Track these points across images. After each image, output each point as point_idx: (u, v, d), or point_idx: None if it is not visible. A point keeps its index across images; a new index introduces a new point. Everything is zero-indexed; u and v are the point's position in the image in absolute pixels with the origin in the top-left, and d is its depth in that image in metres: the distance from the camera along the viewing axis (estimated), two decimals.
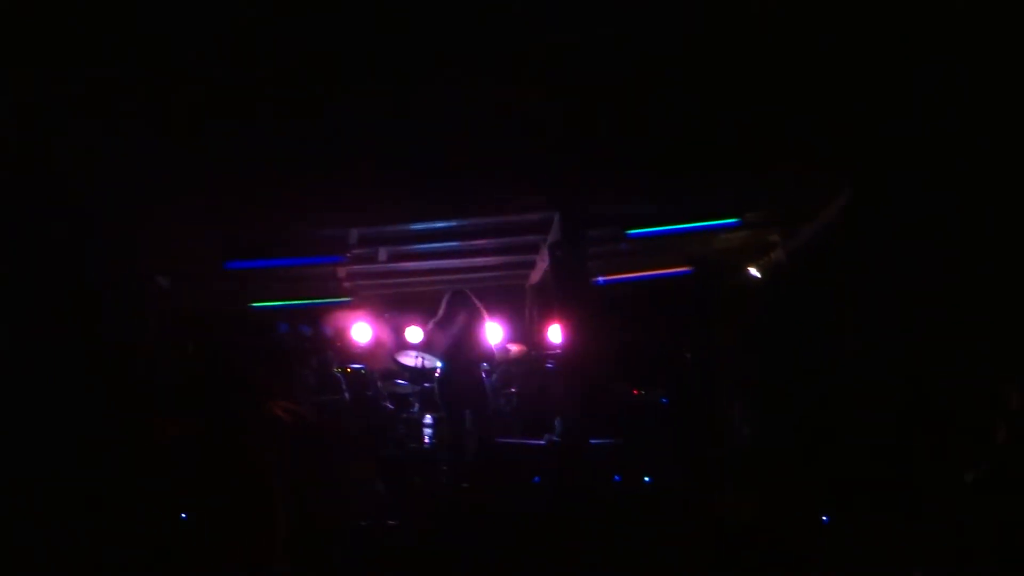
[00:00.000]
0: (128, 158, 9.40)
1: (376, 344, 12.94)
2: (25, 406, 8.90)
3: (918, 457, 8.73)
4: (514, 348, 12.85)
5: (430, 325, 11.04)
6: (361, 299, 13.72)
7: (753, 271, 12.07)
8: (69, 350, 9.18)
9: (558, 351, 11.71)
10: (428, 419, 12.29)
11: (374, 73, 9.18)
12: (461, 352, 10.75)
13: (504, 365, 12.69)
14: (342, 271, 12.74)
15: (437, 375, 11.39)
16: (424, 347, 12.74)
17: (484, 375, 11.50)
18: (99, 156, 9.31)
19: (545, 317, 13.18)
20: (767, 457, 10.00)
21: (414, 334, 13.28)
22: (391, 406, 12.35)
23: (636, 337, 12.25)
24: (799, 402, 10.09)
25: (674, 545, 9.03)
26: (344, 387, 12.25)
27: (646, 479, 10.26)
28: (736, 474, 9.88)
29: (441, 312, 10.88)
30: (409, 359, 12.92)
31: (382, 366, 12.92)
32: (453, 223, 11.16)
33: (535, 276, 13.48)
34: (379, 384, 12.65)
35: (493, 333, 11.51)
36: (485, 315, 11.00)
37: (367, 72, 9.27)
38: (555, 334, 12.22)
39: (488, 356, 11.61)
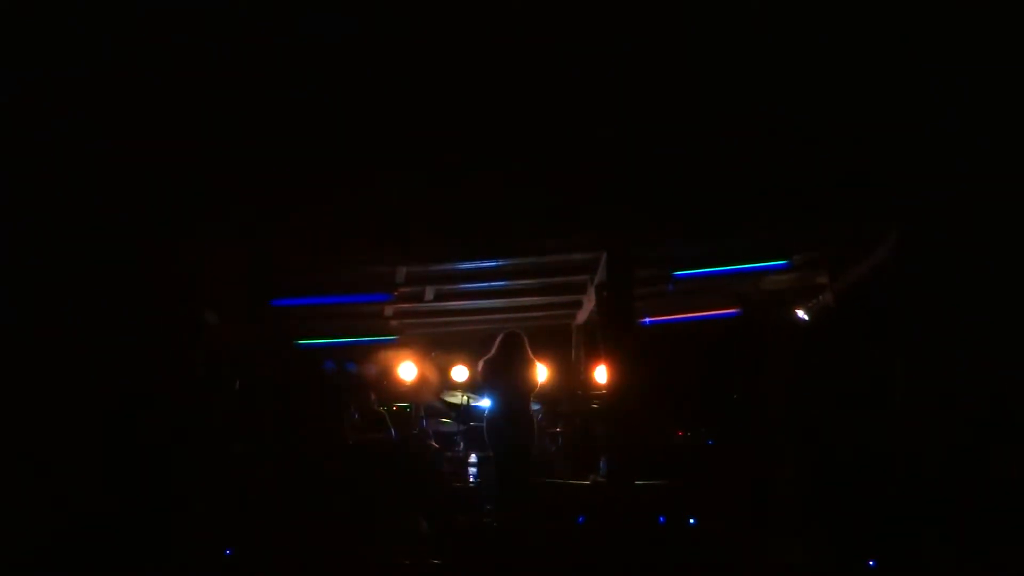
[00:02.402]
0: (179, 194, 9.52)
1: (421, 382, 12.96)
2: (78, 438, 9.01)
3: (969, 504, 8.65)
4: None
5: (481, 364, 11.04)
6: (407, 337, 13.75)
7: (801, 313, 12.00)
8: (120, 386, 9.28)
9: (604, 391, 11.68)
10: (473, 458, 12.27)
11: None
12: (512, 392, 10.74)
13: (550, 405, 12.66)
14: (389, 309, 12.79)
15: (487, 414, 11.39)
16: (473, 386, 12.74)
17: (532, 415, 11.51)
18: (152, 191, 9.44)
19: (591, 357, 13.15)
20: (815, 501, 9.91)
21: (460, 373, 13.29)
22: (436, 444, 12.35)
23: (682, 378, 12.19)
24: (847, 446, 10.00)
25: None
26: (389, 425, 12.26)
27: (691, 521, 10.20)
28: (783, 518, 9.80)
29: (494, 351, 10.89)
30: (455, 398, 12.92)
31: (427, 404, 12.93)
32: (500, 262, 11.18)
33: (581, 316, 13.46)
34: (424, 423, 12.65)
35: (542, 374, 11.48)
36: (534, 358, 10.98)
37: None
38: (601, 374, 12.18)
39: (536, 397, 11.59)
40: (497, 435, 10.81)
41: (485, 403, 12.90)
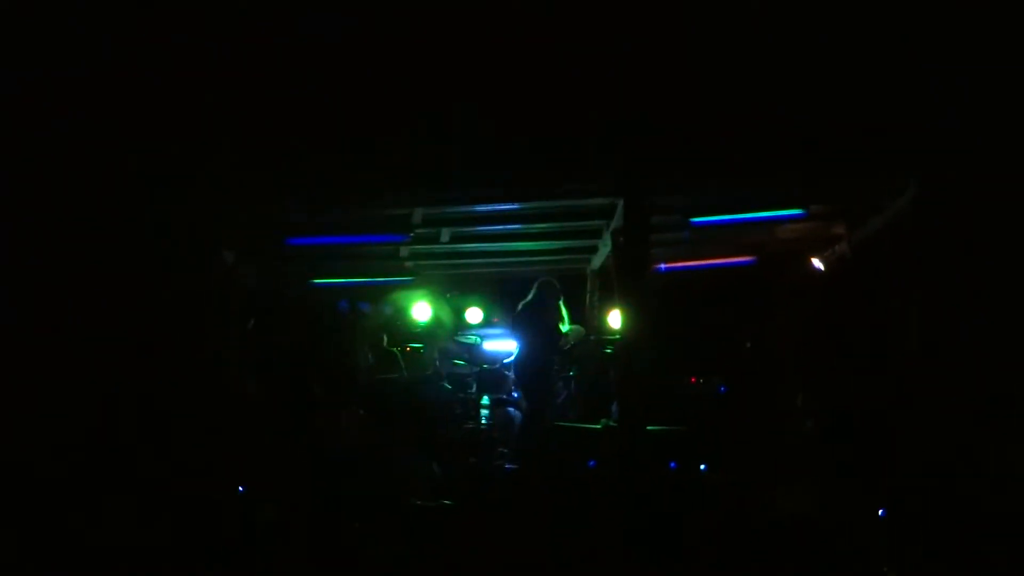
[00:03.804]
0: (196, 133, 9.53)
1: (436, 323, 12.99)
2: (88, 374, 9.06)
3: (982, 453, 8.68)
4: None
5: (519, 307, 11.11)
6: (422, 279, 13.77)
7: (817, 263, 11.99)
8: (137, 321, 9.32)
9: (618, 336, 11.71)
10: (485, 400, 12.33)
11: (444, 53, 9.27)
12: (541, 338, 10.81)
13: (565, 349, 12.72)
14: (404, 250, 12.79)
15: (517, 358, 11.45)
16: (491, 327, 12.83)
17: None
18: (169, 131, 9.45)
19: (606, 302, 13.18)
20: (827, 449, 9.97)
21: (474, 315, 13.33)
22: (449, 386, 12.40)
23: (696, 325, 12.22)
24: (861, 395, 10.03)
25: (729, 534, 9.04)
26: (402, 366, 12.32)
27: (702, 467, 10.26)
28: (795, 465, 9.86)
29: (531, 297, 10.94)
30: (469, 340, 12.97)
31: (441, 345, 12.96)
32: (517, 206, 11.17)
33: (597, 261, 13.47)
34: (437, 364, 12.69)
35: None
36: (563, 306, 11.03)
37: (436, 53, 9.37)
38: (615, 320, 12.20)
39: (562, 344, 11.66)
40: (522, 377, 10.89)
41: (499, 346, 12.96)
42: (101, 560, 8.31)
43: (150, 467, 8.96)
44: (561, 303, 10.87)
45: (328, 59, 9.50)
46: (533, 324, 10.85)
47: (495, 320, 13.40)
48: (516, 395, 12.05)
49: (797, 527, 8.98)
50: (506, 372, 12.38)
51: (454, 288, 13.76)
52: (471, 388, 12.63)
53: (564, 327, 11.31)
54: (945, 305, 9.24)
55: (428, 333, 12.96)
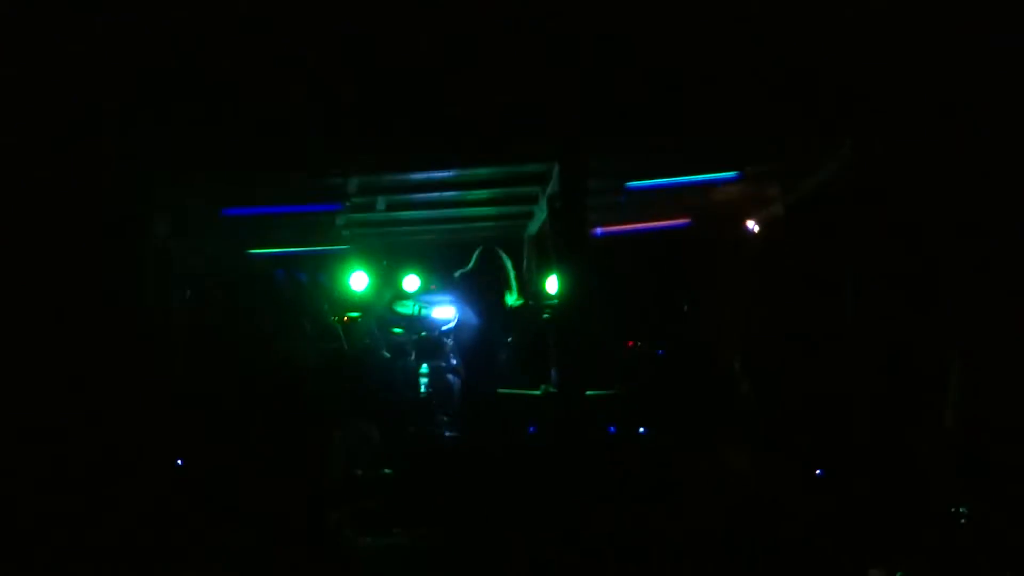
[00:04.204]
0: (125, 97, 9.40)
1: (373, 292, 12.94)
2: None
3: (911, 415, 8.79)
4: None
5: (457, 275, 11.08)
6: (359, 247, 13.69)
7: (752, 225, 12.05)
8: (66, 293, 9.20)
9: (555, 302, 11.72)
10: (424, 368, 12.32)
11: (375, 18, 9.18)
12: (481, 306, 10.78)
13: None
14: (340, 219, 12.72)
15: (454, 324, 11.42)
16: (429, 296, 12.79)
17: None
18: (96, 95, 9.31)
19: (542, 268, 13.17)
20: (765, 412, 10.05)
21: (411, 283, 13.28)
22: (387, 355, 12.36)
23: (633, 289, 12.26)
24: (797, 358, 10.11)
25: (667, 496, 9.11)
26: (342, 335, 12.26)
27: (641, 430, 10.32)
28: (732, 427, 9.93)
29: (472, 265, 10.91)
30: (406, 308, 12.93)
31: (379, 314, 12.92)
32: (452, 173, 11.13)
33: (534, 227, 13.46)
34: (376, 332, 12.65)
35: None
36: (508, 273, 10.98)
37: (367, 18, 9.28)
38: (552, 285, 12.22)
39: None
40: (468, 347, 10.87)
41: (437, 313, 12.94)
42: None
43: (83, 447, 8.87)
44: (510, 273, 10.84)
45: (259, 22, 9.40)
46: (473, 292, 10.82)
47: (433, 287, 13.36)
48: (454, 362, 12.01)
49: (734, 488, 9.07)
50: (445, 339, 12.36)
51: (391, 256, 13.69)
52: (410, 356, 12.61)
53: (511, 298, 11.31)
54: (879, 268, 9.33)
55: (365, 302, 12.90)
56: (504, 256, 10.91)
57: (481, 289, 10.76)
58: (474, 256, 10.93)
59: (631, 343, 12.01)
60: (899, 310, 9.15)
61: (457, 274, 11.06)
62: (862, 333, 9.40)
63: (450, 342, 12.18)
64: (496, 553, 8.72)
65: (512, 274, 10.88)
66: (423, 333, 12.66)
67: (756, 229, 12.00)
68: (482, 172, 11.27)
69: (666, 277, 12.15)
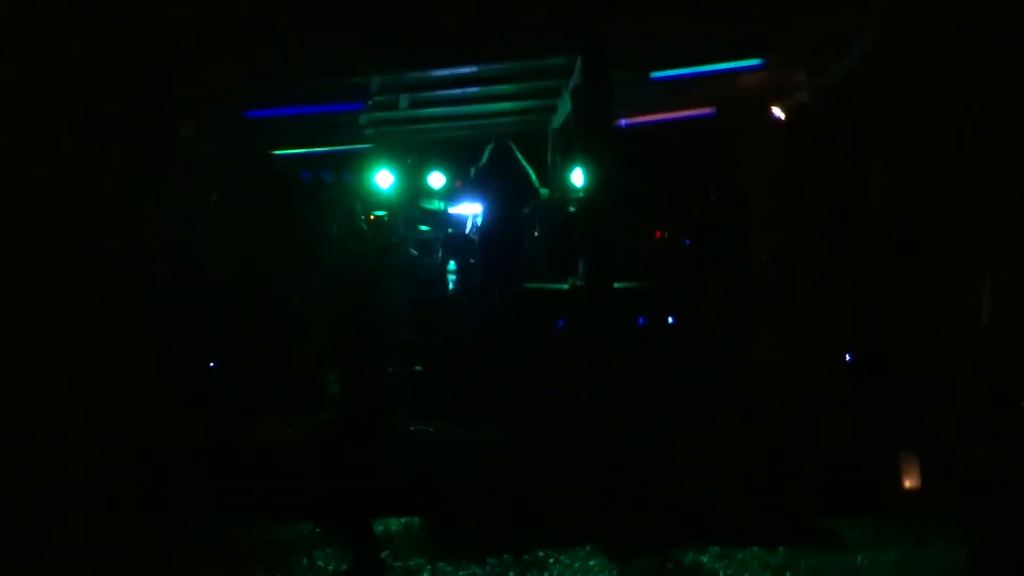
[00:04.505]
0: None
1: (399, 190, 12.92)
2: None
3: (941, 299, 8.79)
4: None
5: (472, 171, 11.03)
6: (383, 145, 13.67)
7: (777, 112, 11.94)
8: (96, 197, 9.23)
9: (581, 195, 11.70)
10: (451, 265, 12.35)
11: None
12: (501, 201, 10.75)
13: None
14: (364, 118, 12.70)
15: (479, 221, 11.39)
16: (454, 192, 12.76)
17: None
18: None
19: (567, 161, 13.14)
20: (793, 298, 10.05)
21: (436, 180, 13.25)
22: (415, 252, 12.40)
23: (659, 180, 12.23)
24: (825, 243, 10.09)
25: (698, 384, 9.15)
26: (368, 234, 12.27)
27: (670, 320, 10.36)
28: (761, 314, 9.95)
29: (485, 159, 10.85)
30: (432, 205, 12.92)
31: (405, 212, 12.92)
32: (474, 68, 11.08)
33: (558, 120, 13.40)
34: (402, 230, 12.67)
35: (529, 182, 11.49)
36: (524, 165, 10.92)
37: None
38: (578, 178, 12.19)
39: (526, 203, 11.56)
40: (486, 241, 10.87)
41: (462, 210, 12.93)
42: None
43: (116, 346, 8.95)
44: (524, 164, 10.78)
45: None
46: (490, 187, 10.77)
47: (458, 184, 13.33)
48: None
49: (764, 375, 9.12)
50: (471, 236, 12.35)
51: (416, 154, 13.65)
52: (437, 254, 12.64)
53: (539, 188, 11.22)
54: (907, 151, 9.27)
55: (391, 200, 12.89)
56: (515, 148, 10.85)
57: (498, 183, 10.72)
58: (486, 151, 10.89)
59: (658, 234, 12.01)
60: (926, 196, 9.11)
61: (473, 170, 11.03)
62: (889, 219, 9.37)
63: (476, 238, 12.18)
64: (531, 447, 8.79)
65: (527, 167, 10.82)
66: (449, 230, 12.66)
67: (782, 116, 11.90)
68: (504, 67, 11.22)
69: (692, 167, 12.11)
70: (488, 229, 10.82)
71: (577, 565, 7.09)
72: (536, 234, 12.48)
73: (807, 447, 8.33)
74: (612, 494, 7.96)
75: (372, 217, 12.67)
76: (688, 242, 11.61)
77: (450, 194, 12.93)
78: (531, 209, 11.74)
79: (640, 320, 10.26)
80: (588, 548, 7.34)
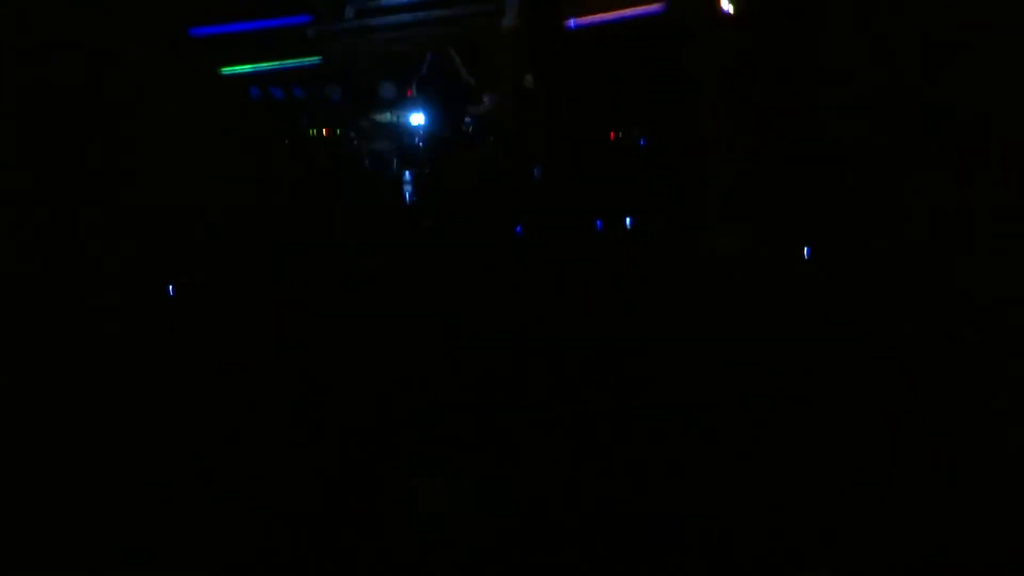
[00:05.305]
0: None
1: (349, 103, 12.83)
2: None
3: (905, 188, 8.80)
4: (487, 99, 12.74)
5: (414, 84, 10.95)
6: (332, 59, 13.52)
7: (726, 4, 11.86)
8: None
9: (533, 98, 11.64)
10: (407, 176, 12.30)
11: None
12: (446, 106, 10.69)
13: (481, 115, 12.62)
14: (310, 31, 12.55)
15: (423, 131, 11.34)
16: (406, 104, 12.66)
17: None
18: None
19: (519, 64, 13.03)
20: (750, 192, 10.06)
21: (387, 91, 13.14)
22: (370, 165, 12.35)
23: (610, 79, 12.15)
24: (781, 132, 10.07)
25: (661, 283, 9.18)
26: (321, 149, 12.21)
27: (627, 222, 10.37)
28: (719, 211, 9.97)
29: (425, 71, 10.77)
30: (384, 117, 12.84)
31: (357, 125, 12.84)
32: None
33: (506, 23, 13.27)
34: (355, 144, 12.60)
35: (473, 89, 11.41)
36: (465, 73, 10.86)
37: None
38: (529, 81, 12.11)
39: (470, 110, 11.50)
40: (435, 151, 10.83)
41: (415, 120, 12.85)
42: None
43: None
44: (463, 73, 10.71)
45: None
46: (430, 98, 10.72)
47: (409, 94, 13.23)
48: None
49: (726, 269, 9.15)
50: (424, 145, 12.30)
51: (365, 66, 13.52)
52: (393, 165, 12.58)
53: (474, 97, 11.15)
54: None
55: (342, 113, 12.80)
56: (455, 57, 10.78)
57: (436, 94, 10.67)
58: (425, 62, 10.81)
59: (612, 135, 11.96)
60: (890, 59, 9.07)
61: (414, 83, 10.97)
62: (853, 99, 9.35)
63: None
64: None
65: (467, 76, 10.76)
66: (404, 141, 12.60)
67: (731, 10, 11.82)
68: None
69: (643, 64, 12.02)
70: (430, 141, 10.78)
71: None
72: (491, 139, 12.42)
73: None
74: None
75: (324, 132, 12.60)
76: (643, 141, 11.58)
77: (401, 105, 12.84)
78: (473, 118, 11.68)
79: (598, 223, 10.27)
80: None
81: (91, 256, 9.12)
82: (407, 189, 12.19)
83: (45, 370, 7.91)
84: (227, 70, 13.16)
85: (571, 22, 12.11)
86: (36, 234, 8.92)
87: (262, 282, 9.94)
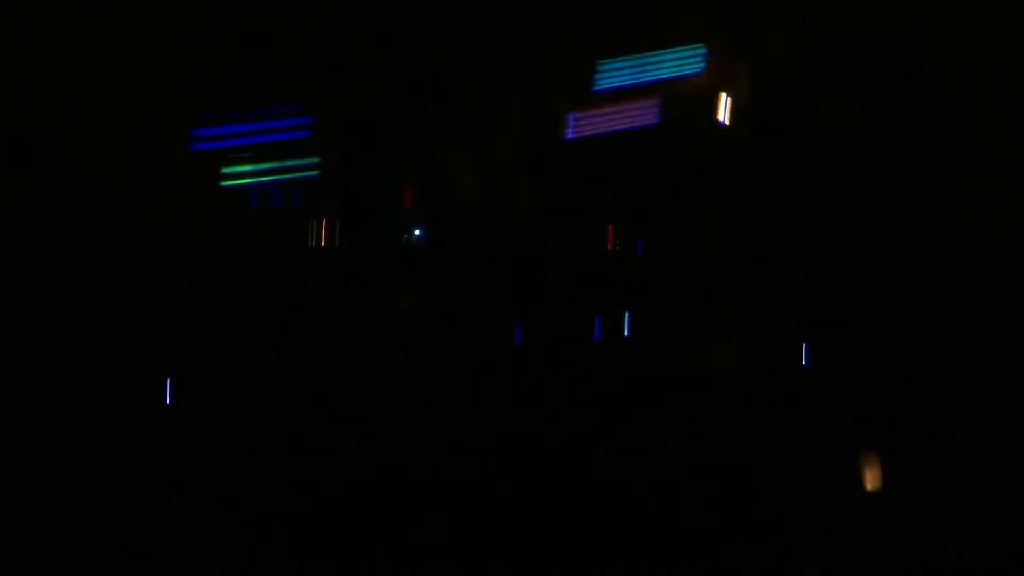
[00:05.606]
0: None
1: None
2: None
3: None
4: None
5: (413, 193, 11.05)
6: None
7: (722, 111, 11.97)
8: None
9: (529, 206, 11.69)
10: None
11: None
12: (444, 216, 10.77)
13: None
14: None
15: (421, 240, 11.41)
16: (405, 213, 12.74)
17: None
18: None
19: (518, 174, 13.10)
20: (748, 300, 10.08)
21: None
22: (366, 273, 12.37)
23: (608, 189, 12.21)
24: (779, 239, 10.13)
25: (655, 395, 9.17)
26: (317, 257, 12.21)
27: (626, 333, 10.35)
28: (718, 319, 9.96)
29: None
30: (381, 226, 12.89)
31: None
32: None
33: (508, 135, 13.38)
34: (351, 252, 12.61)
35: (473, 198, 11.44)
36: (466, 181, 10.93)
37: None
38: (526, 189, 12.16)
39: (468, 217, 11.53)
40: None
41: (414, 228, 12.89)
42: None
43: None
44: (464, 181, 10.78)
45: None
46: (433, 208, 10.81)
47: (407, 205, 13.26)
48: None
49: (720, 383, 9.13)
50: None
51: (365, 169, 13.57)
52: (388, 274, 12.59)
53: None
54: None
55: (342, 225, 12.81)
56: (459, 167, 10.88)
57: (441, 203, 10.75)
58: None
59: (610, 245, 12.00)
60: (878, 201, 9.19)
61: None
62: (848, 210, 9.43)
63: None
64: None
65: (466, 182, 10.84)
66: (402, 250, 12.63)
67: (727, 120, 11.94)
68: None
69: (640, 175, 12.10)
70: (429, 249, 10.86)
71: None
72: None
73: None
74: None
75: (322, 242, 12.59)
76: (640, 251, 11.61)
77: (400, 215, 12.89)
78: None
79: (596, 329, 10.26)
80: None
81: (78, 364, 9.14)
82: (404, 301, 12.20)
83: None
84: (228, 172, 13.22)
85: (569, 131, 12.21)
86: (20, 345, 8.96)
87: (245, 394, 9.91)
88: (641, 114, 12.33)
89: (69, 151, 9.44)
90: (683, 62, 10.90)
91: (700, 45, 10.64)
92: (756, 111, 11.42)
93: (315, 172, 13.08)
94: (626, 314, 10.48)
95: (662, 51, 10.60)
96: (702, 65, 11.03)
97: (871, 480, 8.23)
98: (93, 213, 9.64)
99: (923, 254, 9.17)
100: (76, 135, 9.50)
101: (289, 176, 12.06)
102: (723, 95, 11.87)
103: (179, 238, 10.33)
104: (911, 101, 9.29)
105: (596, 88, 11.12)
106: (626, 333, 10.28)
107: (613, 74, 11.01)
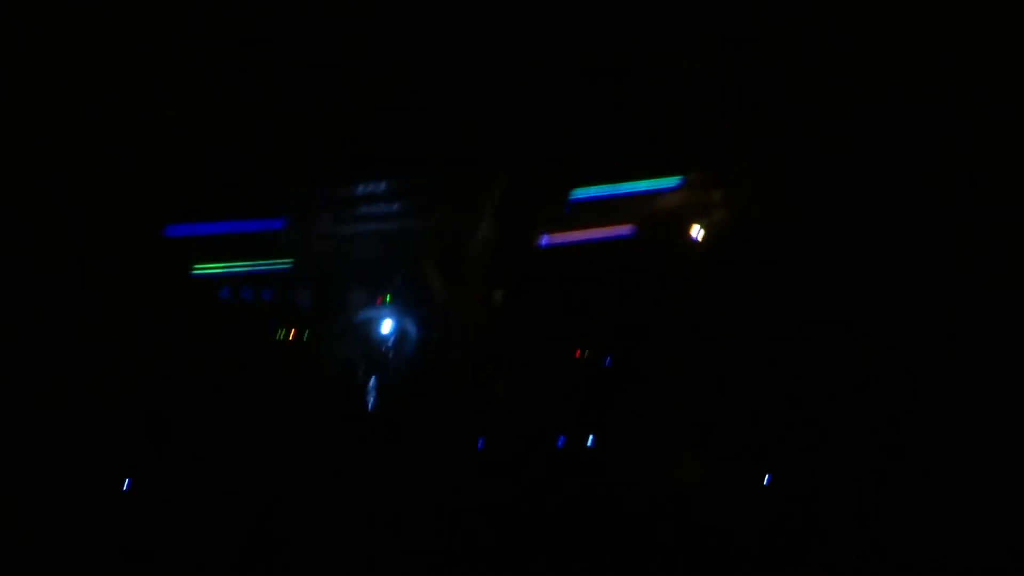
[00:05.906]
0: None
1: (320, 308, 12.82)
2: None
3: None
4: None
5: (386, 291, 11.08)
6: (303, 262, 13.58)
7: (696, 229, 12.05)
8: None
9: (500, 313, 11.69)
10: (372, 383, 12.25)
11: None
12: (416, 317, 10.77)
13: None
14: (285, 235, 12.66)
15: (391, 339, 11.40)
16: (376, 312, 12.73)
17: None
18: None
19: (491, 279, 13.13)
20: (716, 418, 10.06)
21: (359, 298, 13.17)
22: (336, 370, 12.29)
23: (579, 299, 12.23)
24: (742, 360, 10.14)
25: (618, 507, 9.10)
26: (287, 353, 12.15)
27: (589, 441, 10.30)
28: (681, 436, 9.94)
29: (398, 280, 10.89)
30: (354, 323, 12.85)
31: (324, 331, 12.81)
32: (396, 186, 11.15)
33: (480, 235, 13.42)
34: (322, 348, 12.55)
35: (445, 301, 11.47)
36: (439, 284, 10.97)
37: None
38: (498, 296, 12.18)
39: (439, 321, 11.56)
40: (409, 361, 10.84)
41: (385, 328, 12.86)
42: None
43: None
44: (436, 284, 10.83)
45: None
46: (405, 307, 10.82)
47: (379, 301, 13.26)
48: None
49: (684, 498, 9.08)
50: (391, 353, 12.27)
51: (337, 271, 13.58)
52: (359, 371, 12.53)
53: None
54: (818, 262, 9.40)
55: (311, 319, 12.79)
56: (430, 269, 10.91)
57: (412, 304, 10.76)
58: (399, 272, 10.93)
59: (578, 353, 11.99)
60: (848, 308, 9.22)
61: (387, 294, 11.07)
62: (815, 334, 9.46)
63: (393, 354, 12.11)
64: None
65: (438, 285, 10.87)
66: (371, 348, 12.58)
67: (701, 235, 12.01)
68: (426, 184, 11.27)
69: (611, 286, 12.14)
70: (398, 349, 10.84)
71: None
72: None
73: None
74: None
75: (291, 337, 12.56)
76: (608, 362, 11.60)
77: (372, 313, 12.87)
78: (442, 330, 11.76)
79: (560, 441, 10.21)
80: None
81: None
82: (370, 398, 12.13)
83: None
84: (199, 269, 13.20)
85: (544, 239, 12.26)
86: None
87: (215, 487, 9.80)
88: (614, 227, 12.43)
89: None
90: (658, 185, 11.00)
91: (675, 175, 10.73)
92: (730, 232, 11.51)
93: (287, 266, 13.14)
94: (591, 424, 10.44)
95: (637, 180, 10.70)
96: (677, 186, 11.13)
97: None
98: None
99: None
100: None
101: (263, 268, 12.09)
102: (696, 215, 11.99)
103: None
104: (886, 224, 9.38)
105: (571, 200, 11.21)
106: (589, 443, 10.24)
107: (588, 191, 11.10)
